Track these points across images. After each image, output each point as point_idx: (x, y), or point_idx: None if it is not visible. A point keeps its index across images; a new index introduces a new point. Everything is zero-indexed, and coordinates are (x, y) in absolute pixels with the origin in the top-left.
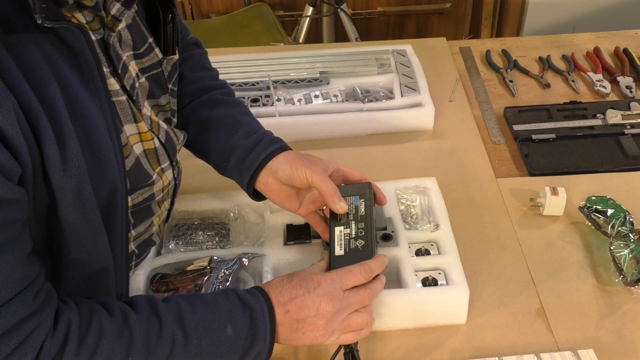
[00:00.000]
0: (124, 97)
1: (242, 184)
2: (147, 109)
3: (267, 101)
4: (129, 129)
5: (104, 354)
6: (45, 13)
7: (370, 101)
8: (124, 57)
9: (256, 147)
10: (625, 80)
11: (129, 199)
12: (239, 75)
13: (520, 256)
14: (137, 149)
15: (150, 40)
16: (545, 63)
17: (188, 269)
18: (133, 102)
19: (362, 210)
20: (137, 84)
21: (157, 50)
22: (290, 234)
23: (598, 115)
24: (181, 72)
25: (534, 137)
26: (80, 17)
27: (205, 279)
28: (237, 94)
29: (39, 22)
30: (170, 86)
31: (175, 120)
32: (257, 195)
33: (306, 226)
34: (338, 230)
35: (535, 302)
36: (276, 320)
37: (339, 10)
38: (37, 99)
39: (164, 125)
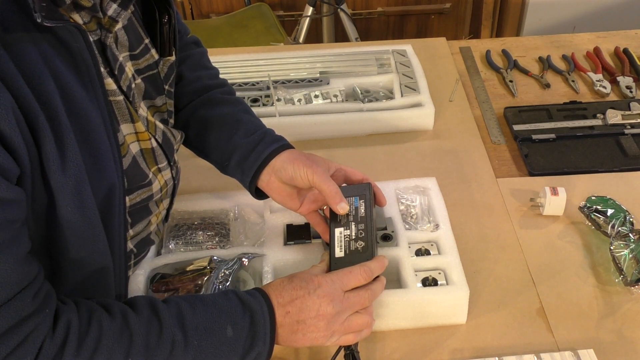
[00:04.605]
0: (121, 97)
1: (244, 183)
2: (143, 110)
3: (267, 101)
4: (125, 129)
5: (103, 354)
6: (45, 12)
7: (370, 101)
8: (120, 58)
9: (257, 146)
10: (625, 80)
11: (127, 199)
12: (239, 75)
13: (520, 256)
14: (134, 148)
15: (147, 41)
16: (545, 63)
17: (188, 269)
18: (130, 103)
19: (362, 211)
20: (133, 85)
21: (153, 51)
22: (290, 234)
23: (598, 115)
24: (180, 71)
25: (534, 137)
26: (78, 18)
27: (205, 279)
28: (237, 94)
29: (39, 20)
30: (166, 87)
31: (172, 121)
32: (260, 194)
33: (306, 226)
34: (338, 231)
35: (535, 302)
36: (276, 322)
37: (339, 10)
38: (35, 98)
39: (160, 125)
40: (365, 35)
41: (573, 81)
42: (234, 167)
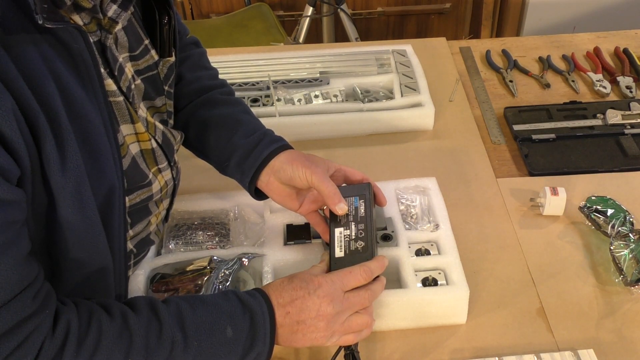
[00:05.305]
0: (121, 98)
1: (243, 184)
2: (142, 111)
3: (267, 101)
4: (125, 129)
5: (103, 355)
6: (46, 13)
7: (370, 101)
8: (120, 59)
9: (257, 147)
10: (625, 80)
11: (127, 199)
12: (239, 75)
13: (520, 256)
14: (134, 148)
15: (147, 42)
16: (545, 63)
17: (188, 269)
18: (130, 104)
19: (362, 211)
20: (133, 86)
21: (153, 52)
22: (290, 234)
23: (598, 115)
24: (180, 72)
25: (534, 137)
26: (78, 19)
27: (205, 279)
28: (237, 94)
29: (40, 22)
30: (166, 88)
31: (171, 121)
32: (259, 194)
33: (306, 226)
34: (338, 231)
35: (535, 302)
36: (276, 322)
37: (339, 10)
38: (36, 99)
39: (160, 126)
40: (365, 35)
41: (573, 81)
42: (234, 167)
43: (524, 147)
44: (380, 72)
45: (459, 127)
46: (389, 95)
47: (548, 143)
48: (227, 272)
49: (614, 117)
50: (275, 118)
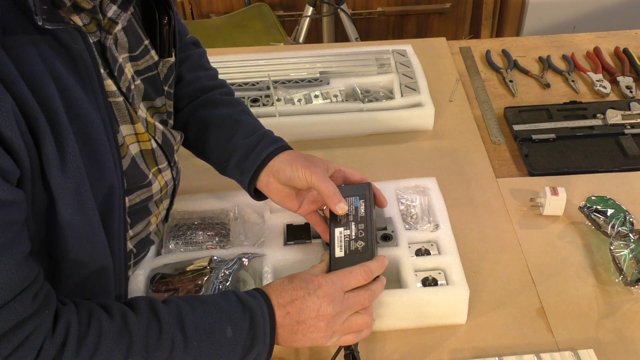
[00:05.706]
0: (120, 99)
1: (243, 184)
2: (142, 111)
3: (267, 101)
4: (125, 130)
5: (103, 355)
6: (46, 14)
7: (370, 101)
8: (120, 60)
9: (257, 147)
10: (625, 80)
11: (127, 200)
12: (239, 75)
13: (520, 256)
14: (133, 149)
15: (146, 42)
16: (545, 63)
17: (188, 269)
18: (129, 104)
19: (362, 211)
20: (132, 86)
21: (153, 52)
22: (290, 234)
23: (598, 115)
24: (180, 72)
25: (534, 137)
26: (77, 20)
27: (205, 279)
28: (237, 94)
29: (40, 23)
30: (166, 88)
31: (171, 122)
32: (258, 195)
33: (306, 226)
34: (338, 231)
35: (535, 302)
36: (276, 322)
37: (339, 10)
38: (36, 100)
39: (160, 126)
40: (365, 35)
41: (573, 81)
42: (233, 168)
43: (524, 147)
44: (380, 72)
45: (459, 127)
46: (389, 95)
47: (548, 143)
48: (227, 272)
49: (614, 117)
50: (275, 118)
